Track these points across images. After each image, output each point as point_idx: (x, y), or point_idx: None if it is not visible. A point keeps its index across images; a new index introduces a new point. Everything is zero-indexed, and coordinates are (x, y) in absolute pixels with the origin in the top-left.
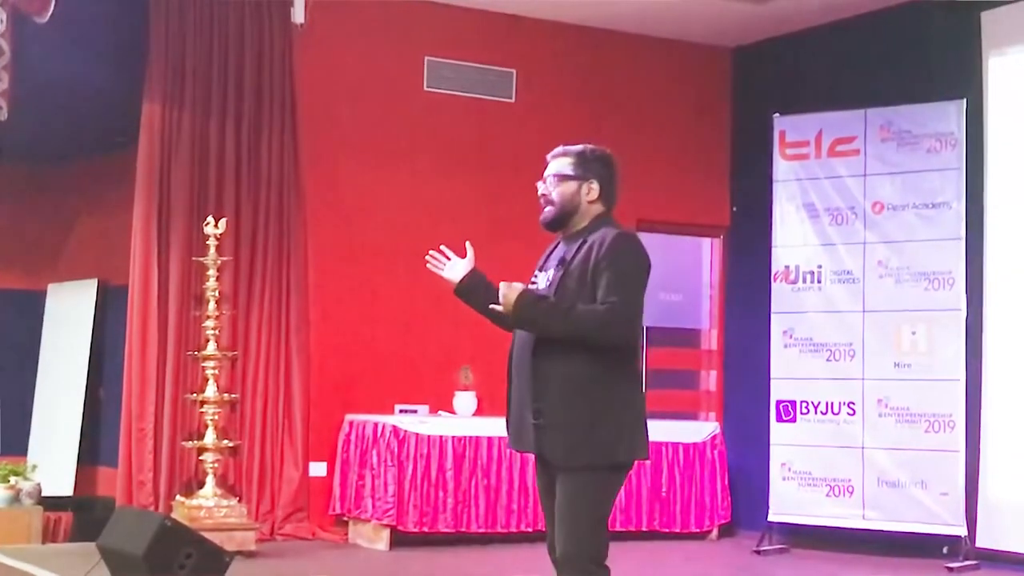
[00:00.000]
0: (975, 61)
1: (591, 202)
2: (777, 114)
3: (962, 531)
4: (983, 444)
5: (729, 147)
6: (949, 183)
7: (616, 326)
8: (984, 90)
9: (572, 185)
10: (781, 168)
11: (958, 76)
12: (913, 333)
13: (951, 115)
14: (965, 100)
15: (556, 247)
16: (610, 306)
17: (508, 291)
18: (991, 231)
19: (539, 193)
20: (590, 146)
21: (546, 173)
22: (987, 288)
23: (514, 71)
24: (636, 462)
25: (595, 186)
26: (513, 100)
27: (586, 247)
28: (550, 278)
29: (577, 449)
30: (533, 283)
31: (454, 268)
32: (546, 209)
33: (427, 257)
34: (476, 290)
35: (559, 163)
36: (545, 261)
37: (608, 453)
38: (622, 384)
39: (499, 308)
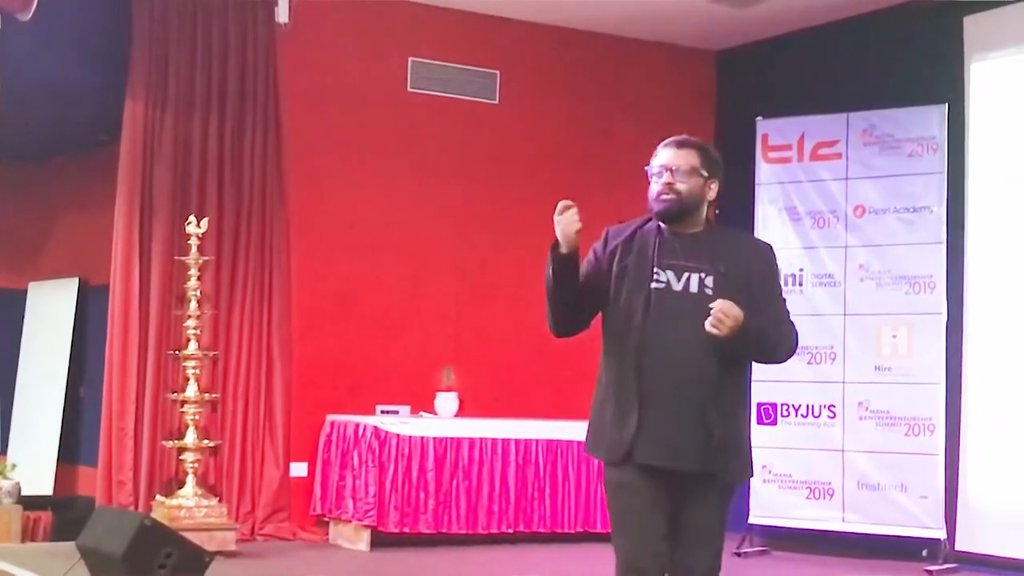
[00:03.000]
0: (957, 66)
1: (711, 202)
2: (760, 117)
3: (941, 534)
4: (963, 447)
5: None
6: (931, 187)
7: (796, 344)
8: (966, 95)
9: (700, 181)
10: (764, 171)
11: (940, 81)
12: (894, 336)
13: (933, 119)
14: (947, 105)
15: (660, 240)
16: (790, 323)
17: (732, 308)
18: (972, 235)
19: (662, 181)
20: (707, 144)
21: (669, 161)
22: (968, 292)
23: (498, 72)
24: None
25: (714, 188)
26: (497, 102)
27: (737, 252)
28: (706, 281)
29: (745, 464)
30: (657, 280)
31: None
32: (665, 197)
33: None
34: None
35: (688, 155)
36: (656, 255)
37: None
38: None
39: (714, 331)
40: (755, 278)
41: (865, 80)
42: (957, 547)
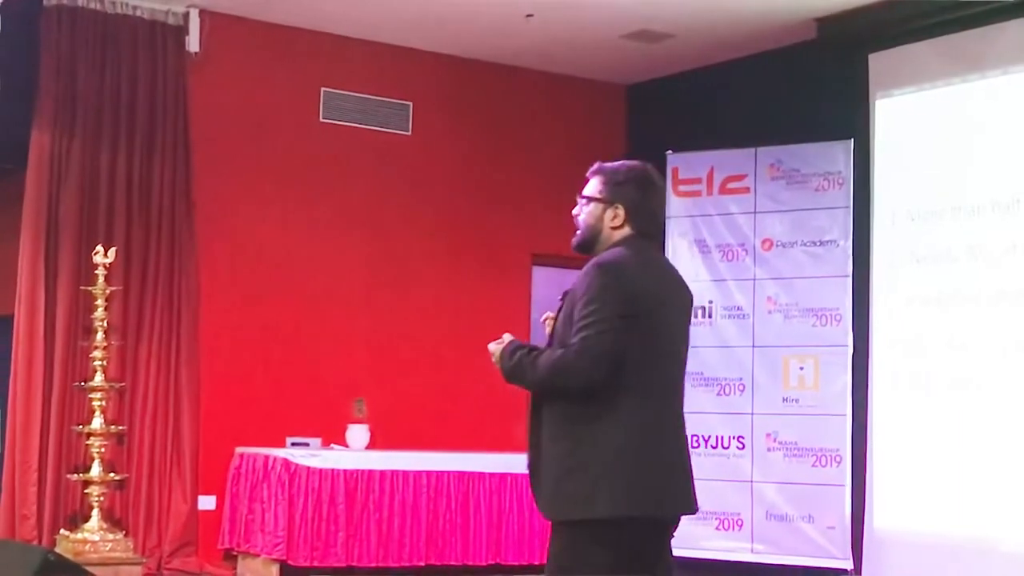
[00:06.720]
0: (862, 102)
1: (615, 228)
2: (670, 151)
3: (848, 564)
4: (868, 478)
5: None
6: (836, 221)
7: (572, 371)
8: (871, 131)
9: (598, 208)
10: (674, 204)
11: (846, 116)
12: (801, 368)
13: (839, 155)
14: (852, 140)
15: None
16: (565, 350)
17: (493, 344)
18: (877, 269)
19: (573, 213)
20: (628, 164)
21: (584, 191)
22: (873, 324)
23: (411, 104)
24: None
25: (620, 211)
26: (410, 133)
27: (580, 276)
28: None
29: (554, 500)
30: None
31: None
32: (577, 233)
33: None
34: None
35: (591, 183)
36: None
37: (584, 506)
38: (618, 425)
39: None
40: (573, 302)
41: (773, 115)
42: None
